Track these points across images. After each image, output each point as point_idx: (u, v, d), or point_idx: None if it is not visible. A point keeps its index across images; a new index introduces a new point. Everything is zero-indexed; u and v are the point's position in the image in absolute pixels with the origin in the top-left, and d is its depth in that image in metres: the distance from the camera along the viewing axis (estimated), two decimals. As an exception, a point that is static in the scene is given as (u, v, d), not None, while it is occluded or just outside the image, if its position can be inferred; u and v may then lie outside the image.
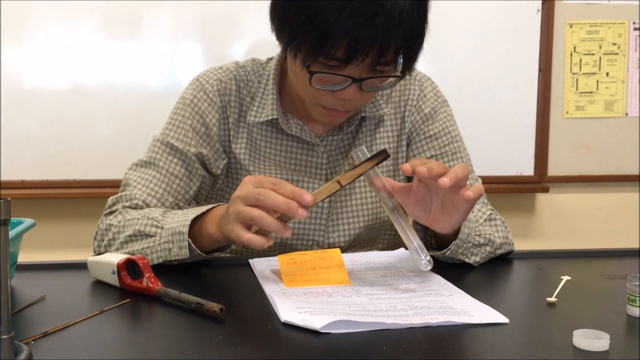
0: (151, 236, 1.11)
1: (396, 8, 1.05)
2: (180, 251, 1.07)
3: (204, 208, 1.11)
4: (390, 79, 1.17)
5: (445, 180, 0.96)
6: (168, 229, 1.09)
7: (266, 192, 0.96)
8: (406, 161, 1.36)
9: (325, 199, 0.99)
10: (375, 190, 1.02)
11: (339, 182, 0.97)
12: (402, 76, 1.16)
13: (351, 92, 1.13)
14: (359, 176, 0.99)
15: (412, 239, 0.99)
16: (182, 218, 1.09)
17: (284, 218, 0.97)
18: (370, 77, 1.12)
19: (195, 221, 1.09)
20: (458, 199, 1.02)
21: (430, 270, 1.09)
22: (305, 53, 1.10)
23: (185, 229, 1.07)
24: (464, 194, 1.00)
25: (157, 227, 1.11)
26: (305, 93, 1.19)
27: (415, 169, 0.97)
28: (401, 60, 1.12)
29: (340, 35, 1.05)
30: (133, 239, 1.13)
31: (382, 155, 0.99)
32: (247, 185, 0.99)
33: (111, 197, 1.23)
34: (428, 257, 0.99)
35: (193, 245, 1.07)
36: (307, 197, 0.94)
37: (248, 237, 0.98)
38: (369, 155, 0.99)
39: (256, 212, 0.96)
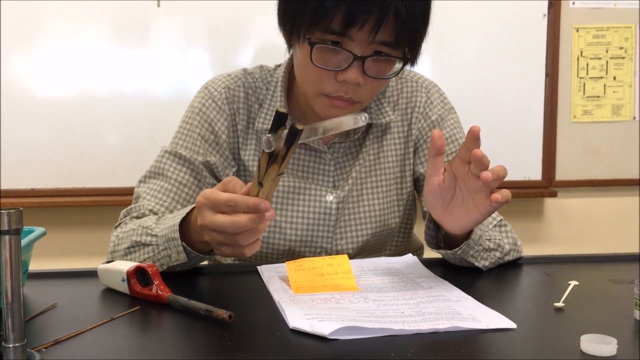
0: (148, 245, 1.11)
1: None
2: (179, 256, 1.07)
3: (188, 208, 1.09)
4: (395, 66, 1.16)
5: (488, 175, 0.96)
6: (162, 236, 1.09)
7: (230, 222, 0.91)
8: (413, 168, 1.37)
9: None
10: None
11: (280, 174, 0.88)
12: (406, 60, 1.15)
13: (353, 73, 1.12)
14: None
15: (341, 118, 1.10)
16: (171, 223, 1.08)
17: None
18: (372, 56, 1.12)
19: (183, 223, 1.08)
20: (482, 200, 1.01)
21: (438, 275, 1.10)
22: (305, 30, 1.11)
23: (176, 234, 1.06)
24: (492, 196, 0.99)
25: (151, 235, 1.11)
26: (308, 82, 1.18)
27: (473, 153, 0.96)
28: (404, 45, 1.12)
29: (336, 2, 1.06)
30: (132, 250, 1.13)
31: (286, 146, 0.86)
32: (205, 214, 0.95)
33: (123, 210, 1.24)
34: (362, 115, 1.13)
35: (189, 248, 1.07)
36: (263, 205, 0.89)
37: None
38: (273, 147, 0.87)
39: (229, 251, 0.96)
